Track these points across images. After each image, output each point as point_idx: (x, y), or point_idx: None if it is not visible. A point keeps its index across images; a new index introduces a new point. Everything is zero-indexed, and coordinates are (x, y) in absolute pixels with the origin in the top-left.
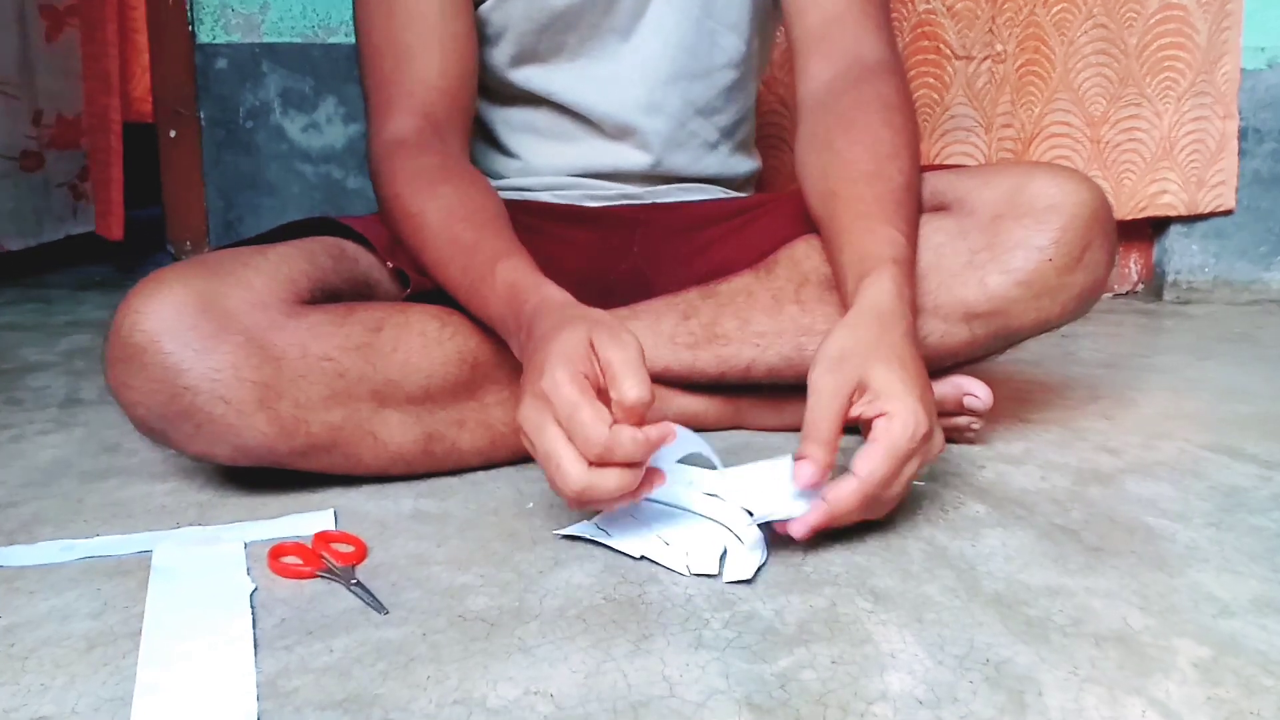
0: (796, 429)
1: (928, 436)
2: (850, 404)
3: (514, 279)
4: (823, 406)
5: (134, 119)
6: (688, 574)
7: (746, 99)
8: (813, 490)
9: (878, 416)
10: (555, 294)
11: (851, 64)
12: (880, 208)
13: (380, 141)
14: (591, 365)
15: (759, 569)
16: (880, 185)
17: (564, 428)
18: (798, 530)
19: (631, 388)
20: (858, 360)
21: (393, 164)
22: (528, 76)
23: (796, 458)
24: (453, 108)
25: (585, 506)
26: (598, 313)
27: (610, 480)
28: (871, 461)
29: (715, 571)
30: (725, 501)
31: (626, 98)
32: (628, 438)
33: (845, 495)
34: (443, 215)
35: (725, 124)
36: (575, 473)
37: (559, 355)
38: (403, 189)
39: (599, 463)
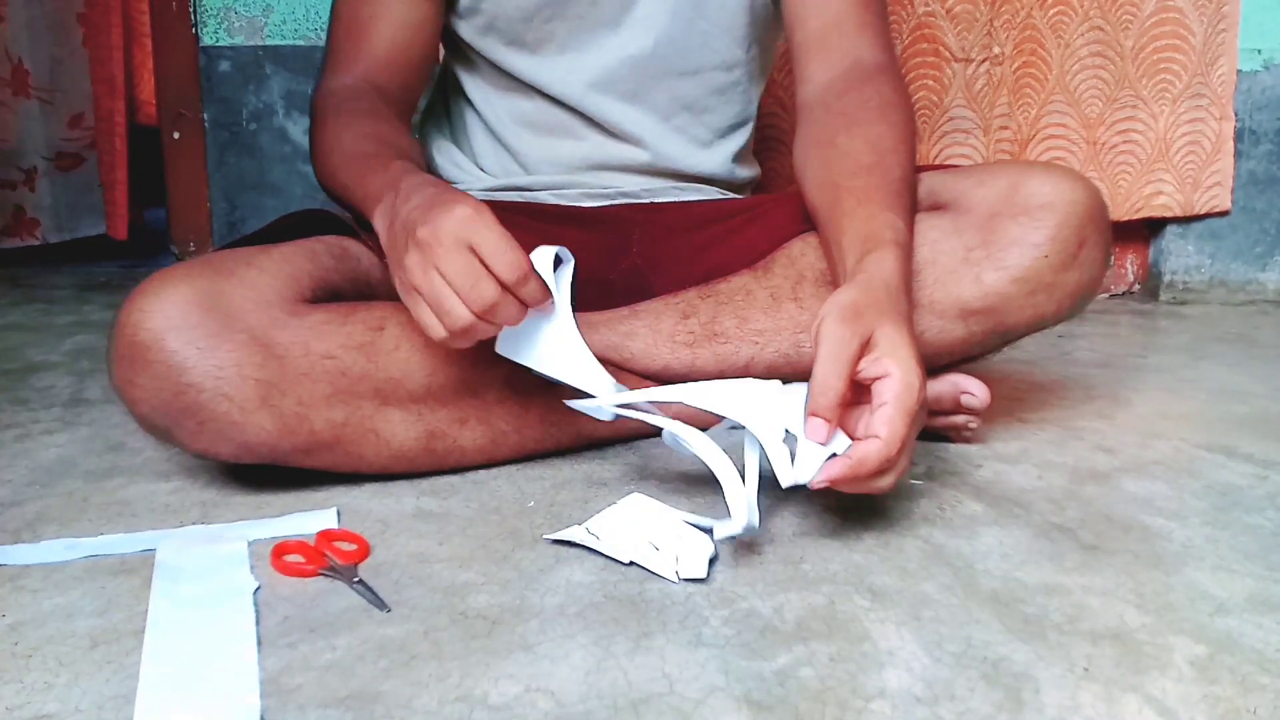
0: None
1: (925, 400)
2: (860, 357)
3: (406, 167)
4: (834, 358)
5: (142, 122)
6: (677, 580)
7: (745, 105)
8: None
9: (879, 378)
10: (435, 178)
11: (851, 67)
12: (881, 195)
13: (319, 94)
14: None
15: (738, 534)
16: (880, 176)
17: (480, 252)
18: (818, 481)
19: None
20: (868, 315)
21: (326, 105)
22: (521, 65)
23: (808, 415)
24: (394, 81)
25: (466, 338)
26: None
27: (510, 309)
28: (890, 423)
29: (704, 576)
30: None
31: (614, 91)
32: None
33: (871, 452)
34: (356, 139)
35: (718, 125)
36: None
37: (470, 208)
38: (331, 124)
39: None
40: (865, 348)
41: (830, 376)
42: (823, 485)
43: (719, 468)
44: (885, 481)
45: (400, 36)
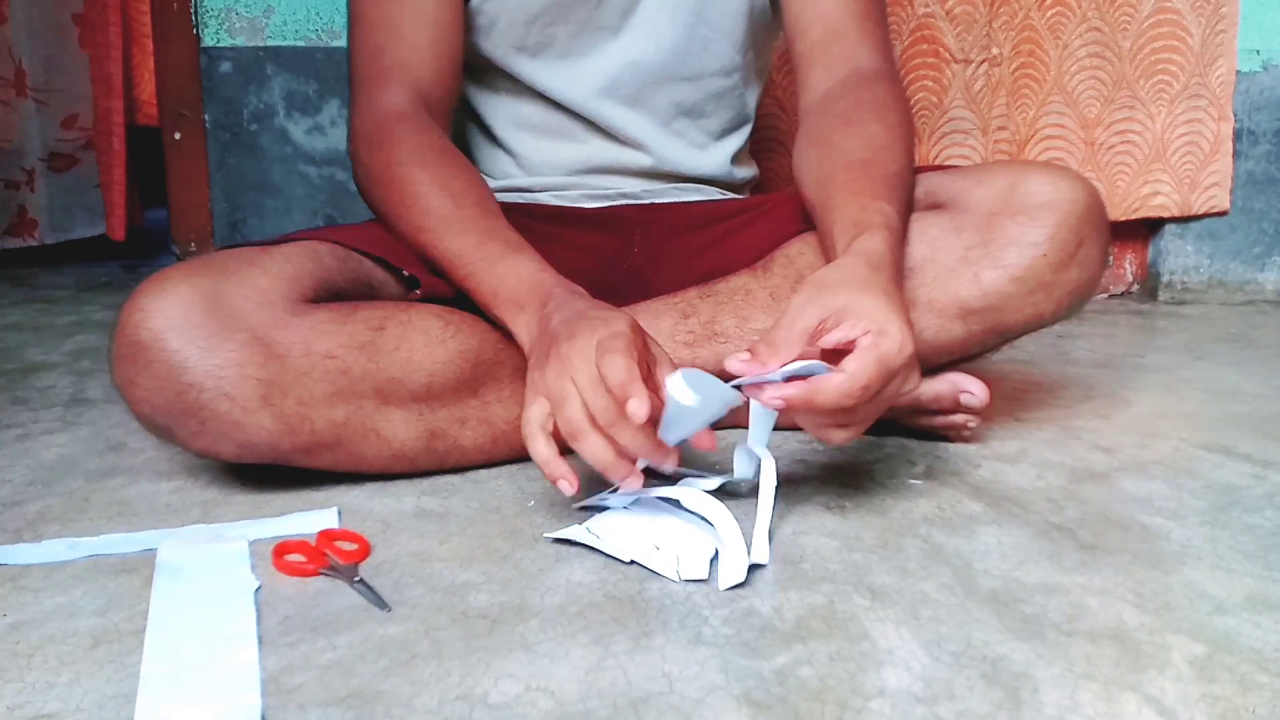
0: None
1: (912, 362)
2: (821, 329)
3: (540, 266)
4: (788, 320)
5: (142, 122)
6: (678, 580)
7: (742, 109)
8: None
9: (864, 334)
10: (581, 289)
11: (850, 73)
12: (873, 186)
13: (376, 111)
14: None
15: (756, 567)
16: (874, 170)
17: (605, 379)
18: (770, 396)
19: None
20: (840, 290)
21: (395, 137)
22: (522, 69)
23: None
24: (441, 87)
25: (588, 447)
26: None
27: (609, 457)
28: (861, 363)
29: (705, 576)
30: (716, 506)
31: (615, 96)
32: (641, 436)
33: (830, 384)
34: (452, 197)
35: (715, 128)
36: (596, 440)
37: (621, 326)
38: (407, 162)
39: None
40: (833, 318)
41: (772, 334)
42: (777, 404)
43: (723, 522)
44: (840, 435)
45: (441, 41)
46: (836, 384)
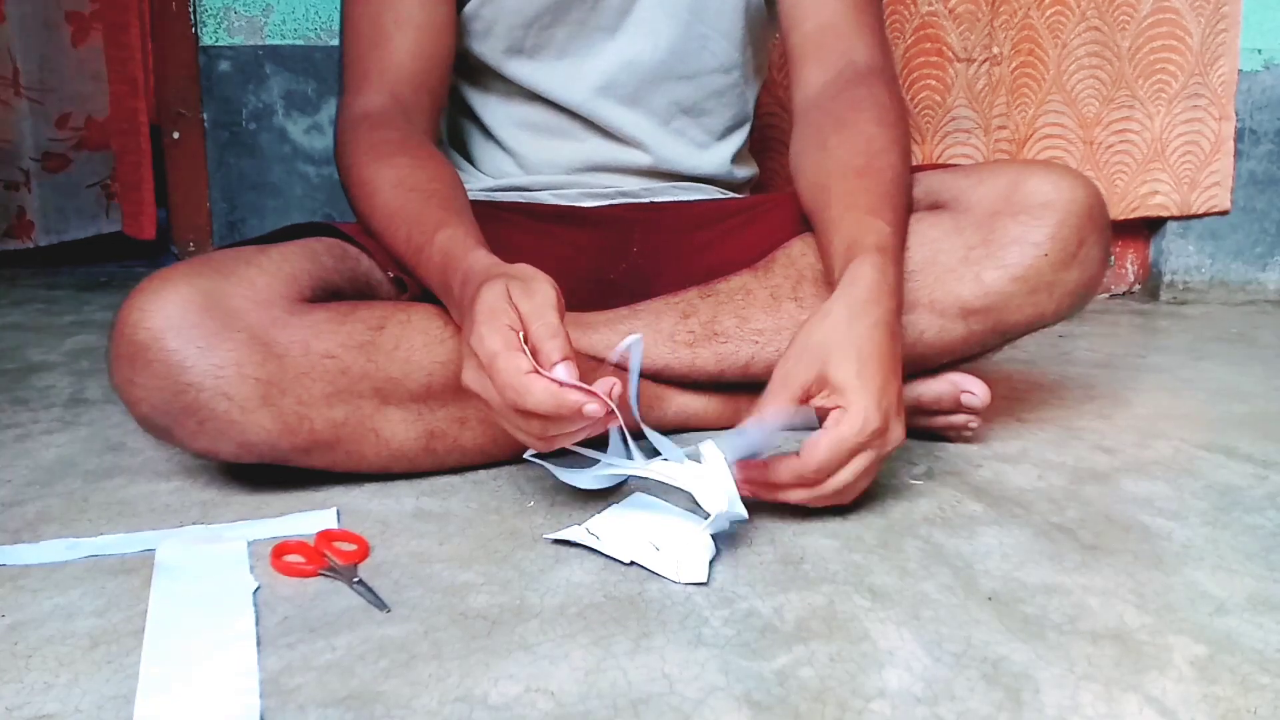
0: (794, 427)
1: (880, 431)
2: (807, 394)
3: (448, 247)
4: (773, 393)
5: None
6: (679, 582)
7: (742, 106)
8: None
9: (834, 409)
10: (482, 259)
11: (845, 68)
12: (868, 199)
13: (347, 115)
14: (513, 316)
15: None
16: (870, 179)
17: (490, 379)
18: (742, 480)
19: (540, 331)
20: (821, 353)
21: (355, 135)
22: (519, 71)
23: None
24: (421, 90)
25: (552, 447)
26: (519, 268)
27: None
28: (815, 447)
29: (705, 579)
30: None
31: (614, 95)
32: (539, 388)
33: (782, 467)
34: (393, 185)
35: (715, 127)
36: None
37: (482, 311)
38: (360, 158)
39: (521, 410)
40: (815, 384)
41: (766, 402)
42: (744, 490)
43: (689, 477)
44: (828, 499)
45: (424, 45)
46: (788, 465)
